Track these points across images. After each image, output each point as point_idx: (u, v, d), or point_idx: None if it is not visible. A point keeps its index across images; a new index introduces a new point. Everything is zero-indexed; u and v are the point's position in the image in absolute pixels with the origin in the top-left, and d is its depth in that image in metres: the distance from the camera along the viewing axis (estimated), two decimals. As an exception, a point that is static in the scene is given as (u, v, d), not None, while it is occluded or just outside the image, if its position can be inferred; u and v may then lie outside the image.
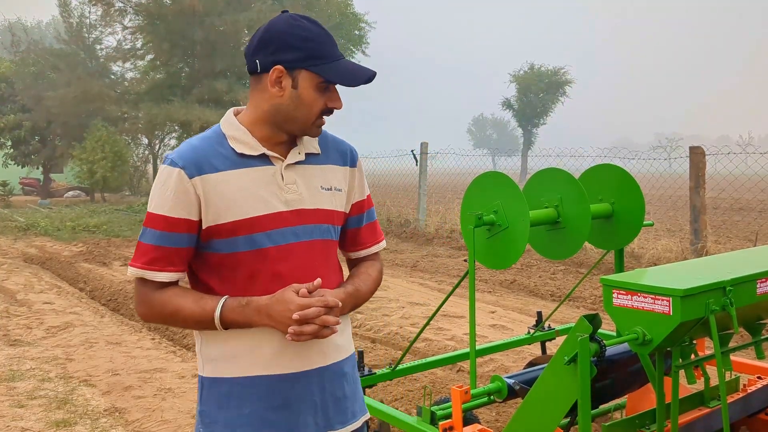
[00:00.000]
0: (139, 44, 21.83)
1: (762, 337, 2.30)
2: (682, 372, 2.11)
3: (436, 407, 2.64)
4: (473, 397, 2.45)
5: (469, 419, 2.91)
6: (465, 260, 8.98)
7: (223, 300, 1.56)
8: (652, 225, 3.24)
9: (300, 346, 1.60)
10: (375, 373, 3.19)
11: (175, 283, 1.61)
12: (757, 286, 2.09)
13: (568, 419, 2.44)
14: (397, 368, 3.24)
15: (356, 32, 26.69)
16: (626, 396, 2.87)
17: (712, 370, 2.90)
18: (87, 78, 22.06)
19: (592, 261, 8.83)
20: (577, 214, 2.84)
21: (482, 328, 5.90)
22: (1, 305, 7.07)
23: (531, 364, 3.59)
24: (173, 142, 24.26)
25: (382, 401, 3.62)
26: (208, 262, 1.61)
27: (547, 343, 3.92)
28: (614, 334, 3.09)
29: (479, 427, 2.44)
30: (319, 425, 1.65)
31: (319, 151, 1.69)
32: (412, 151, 13.24)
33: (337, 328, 1.56)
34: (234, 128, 1.62)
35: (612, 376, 2.43)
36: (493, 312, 6.59)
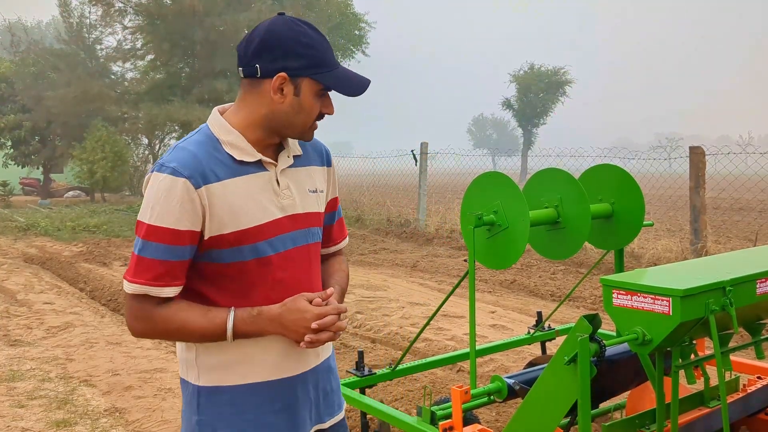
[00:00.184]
0: (139, 44, 21.84)
1: (762, 337, 2.30)
2: (682, 372, 2.11)
3: (436, 407, 2.65)
4: (473, 397, 2.45)
5: (469, 419, 2.92)
6: (465, 260, 8.98)
7: (233, 312, 1.55)
8: (652, 225, 3.24)
9: (300, 349, 1.63)
10: (375, 373, 3.19)
11: (174, 298, 1.56)
12: (757, 286, 2.09)
13: (568, 419, 2.44)
14: (397, 368, 3.24)
15: (356, 32, 26.70)
16: (626, 396, 2.87)
17: (712, 370, 2.91)
18: (87, 78, 22.04)
19: (592, 261, 8.83)
20: (577, 214, 2.84)
21: (482, 328, 5.91)
22: (1, 305, 7.07)
23: (531, 364, 3.59)
24: (173, 142, 24.21)
25: (382, 401, 3.62)
26: (203, 271, 1.57)
27: (547, 343, 3.92)
28: (614, 334, 3.09)
29: (479, 427, 2.44)
30: (312, 420, 1.70)
31: (301, 153, 1.70)
32: (412, 151, 13.23)
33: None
34: (226, 132, 1.57)
35: (610, 375, 2.44)
36: (493, 312, 6.59)
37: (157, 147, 25.93)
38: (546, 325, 3.81)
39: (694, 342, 2.11)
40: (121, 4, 20.41)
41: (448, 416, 2.53)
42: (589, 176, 3.15)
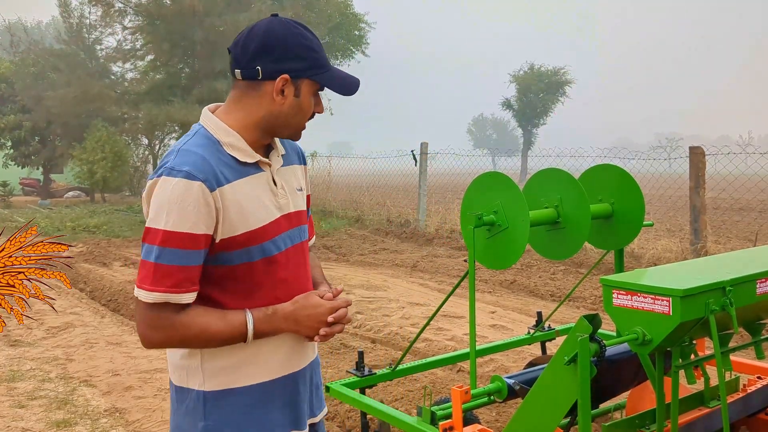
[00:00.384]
0: (139, 44, 21.81)
1: (762, 337, 2.30)
2: (682, 372, 2.12)
3: (436, 407, 2.65)
4: (473, 397, 2.45)
5: (469, 419, 2.92)
6: (465, 260, 8.98)
7: (249, 313, 1.55)
8: (652, 225, 3.24)
9: (302, 344, 1.67)
10: (375, 373, 3.19)
11: (191, 303, 1.53)
12: (757, 286, 2.09)
13: (568, 419, 2.44)
14: (397, 368, 3.24)
15: (356, 32, 26.67)
16: (626, 396, 2.87)
17: (712, 370, 2.90)
18: (87, 78, 22.03)
19: (592, 261, 8.83)
20: (576, 214, 2.84)
21: (482, 328, 5.91)
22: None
23: (531, 364, 3.59)
24: (173, 142, 24.17)
25: (382, 401, 3.61)
26: (210, 274, 1.56)
27: (547, 343, 3.92)
28: (614, 334, 3.09)
29: (479, 427, 2.44)
30: (307, 414, 1.73)
31: (285, 152, 1.71)
32: (411, 151, 13.23)
33: None
34: (225, 133, 1.57)
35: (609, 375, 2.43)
36: (493, 312, 6.59)
37: (157, 147, 25.92)
38: (546, 325, 3.81)
39: (694, 342, 2.11)
40: (121, 5, 20.39)
41: (449, 416, 2.53)
42: (589, 176, 3.15)
